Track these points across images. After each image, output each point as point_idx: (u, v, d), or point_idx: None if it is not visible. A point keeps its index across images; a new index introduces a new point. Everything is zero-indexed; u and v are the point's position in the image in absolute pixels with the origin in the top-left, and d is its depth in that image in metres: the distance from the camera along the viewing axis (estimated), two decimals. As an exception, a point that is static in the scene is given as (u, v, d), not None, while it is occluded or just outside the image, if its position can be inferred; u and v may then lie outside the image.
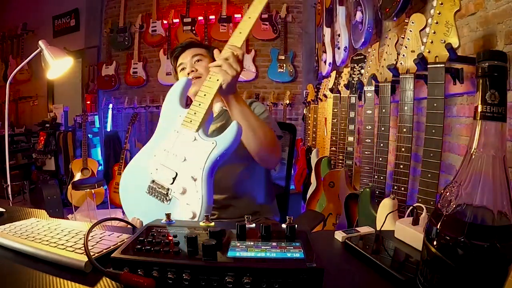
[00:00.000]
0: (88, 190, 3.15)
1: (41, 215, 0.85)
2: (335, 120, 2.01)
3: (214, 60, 1.08)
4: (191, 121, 0.87)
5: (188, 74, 1.12)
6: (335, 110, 2.01)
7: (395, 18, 1.43)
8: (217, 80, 0.88)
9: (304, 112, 3.60)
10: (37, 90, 4.79)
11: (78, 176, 3.49)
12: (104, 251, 0.57)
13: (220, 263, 0.46)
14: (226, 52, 0.89)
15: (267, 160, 1.05)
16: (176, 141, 0.87)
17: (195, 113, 0.87)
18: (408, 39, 1.07)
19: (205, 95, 0.88)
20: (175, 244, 0.52)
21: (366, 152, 1.39)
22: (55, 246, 0.58)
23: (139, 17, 4.24)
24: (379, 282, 0.51)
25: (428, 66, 0.96)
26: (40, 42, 1.41)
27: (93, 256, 0.53)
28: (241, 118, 0.93)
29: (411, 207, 0.66)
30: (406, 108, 1.08)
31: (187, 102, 1.01)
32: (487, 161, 0.38)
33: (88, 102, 4.36)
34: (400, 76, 1.10)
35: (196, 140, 0.84)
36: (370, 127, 1.39)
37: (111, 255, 0.49)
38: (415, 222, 0.64)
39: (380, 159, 1.22)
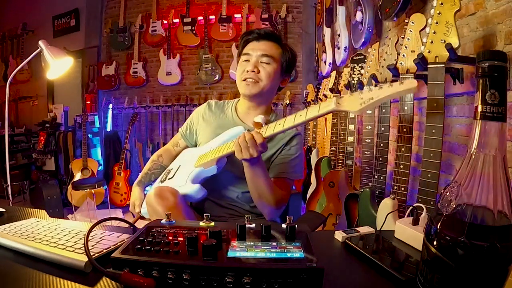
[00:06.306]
0: (88, 190, 3.15)
1: (41, 215, 0.85)
2: (335, 120, 2.01)
3: (282, 67, 1.08)
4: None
5: (248, 71, 1.03)
6: (335, 110, 2.01)
7: (395, 18, 1.43)
8: (231, 149, 0.92)
9: (304, 112, 3.59)
10: (37, 90, 4.78)
11: (78, 176, 3.49)
12: (104, 251, 0.57)
13: (220, 263, 0.46)
14: (246, 134, 0.85)
15: (262, 213, 1.06)
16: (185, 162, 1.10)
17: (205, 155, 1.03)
18: (408, 39, 1.06)
19: (217, 152, 0.97)
20: (175, 244, 0.52)
21: (366, 152, 1.39)
22: (55, 246, 0.58)
23: (139, 17, 4.24)
24: (379, 282, 0.51)
25: (428, 66, 0.96)
26: (40, 42, 1.41)
27: (93, 256, 0.53)
28: (251, 182, 0.96)
29: (411, 207, 0.66)
30: (406, 108, 1.08)
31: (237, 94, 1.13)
32: (487, 161, 0.38)
33: (88, 102, 4.35)
34: (400, 76, 1.10)
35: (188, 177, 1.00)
36: (370, 127, 1.39)
37: (111, 255, 0.49)
38: (415, 222, 0.64)
39: (380, 159, 1.22)
